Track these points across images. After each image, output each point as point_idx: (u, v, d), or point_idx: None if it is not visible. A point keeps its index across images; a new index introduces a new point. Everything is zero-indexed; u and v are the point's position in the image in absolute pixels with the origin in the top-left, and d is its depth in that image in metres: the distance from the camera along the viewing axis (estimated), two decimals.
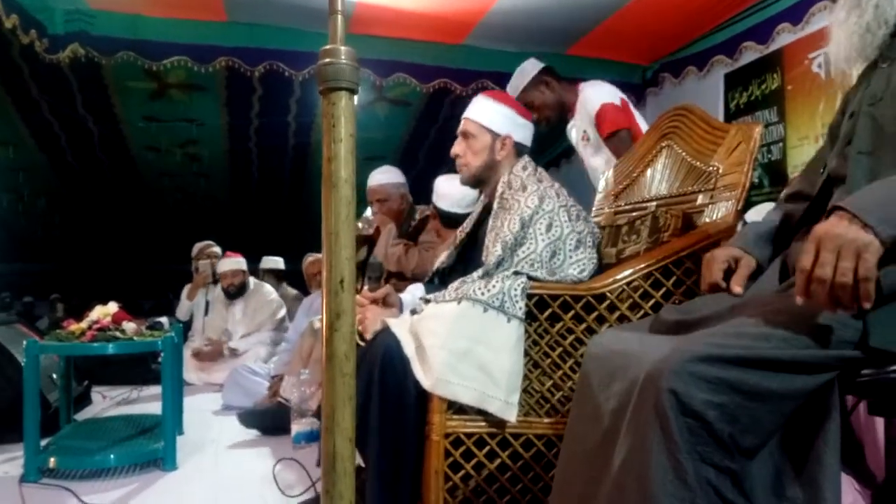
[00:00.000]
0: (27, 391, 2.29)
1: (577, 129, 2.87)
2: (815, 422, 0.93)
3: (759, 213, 2.24)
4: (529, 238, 1.67)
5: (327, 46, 0.79)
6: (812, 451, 0.92)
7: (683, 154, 1.81)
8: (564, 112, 2.88)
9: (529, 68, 2.81)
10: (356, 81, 0.78)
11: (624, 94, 2.80)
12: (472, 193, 2.37)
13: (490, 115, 1.88)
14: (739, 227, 1.55)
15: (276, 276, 5.39)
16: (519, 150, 1.89)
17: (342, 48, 0.78)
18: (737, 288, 1.16)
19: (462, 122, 1.91)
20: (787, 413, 0.94)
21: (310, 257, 4.92)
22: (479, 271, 1.65)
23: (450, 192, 2.65)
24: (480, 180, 1.91)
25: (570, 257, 1.68)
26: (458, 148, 1.90)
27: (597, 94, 2.73)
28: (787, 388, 0.92)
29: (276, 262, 5.57)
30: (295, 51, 3.55)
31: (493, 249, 1.69)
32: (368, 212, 3.00)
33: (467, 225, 2.00)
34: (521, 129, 1.90)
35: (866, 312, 0.92)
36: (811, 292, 0.91)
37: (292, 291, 5.23)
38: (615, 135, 2.62)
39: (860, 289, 0.88)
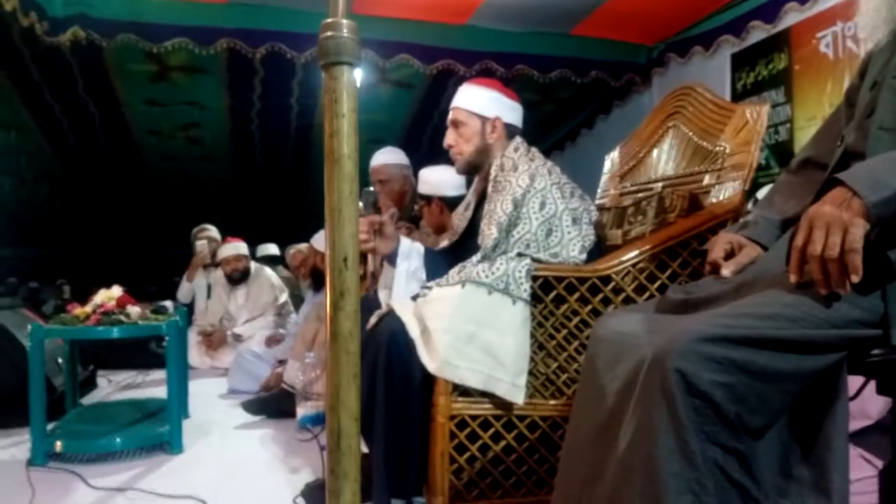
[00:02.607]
0: (33, 375, 2.29)
1: None
2: (823, 402, 0.93)
3: None
4: (523, 218, 1.65)
5: (328, 20, 0.77)
6: (820, 431, 0.92)
7: (690, 134, 1.79)
8: None
9: None
10: (357, 55, 0.77)
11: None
12: None
13: (477, 100, 1.86)
14: (750, 205, 1.53)
15: (271, 262, 5.44)
16: (510, 131, 1.87)
17: (343, 21, 0.76)
18: (725, 271, 1.15)
19: (451, 112, 1.89)
20: (795, 393, 0.93)
21: (291, 249, 4.92)
22: (478, 255, 1.64)
23: (443, 178, 2.57)
24: (475, 166, 1.89)
25: (568, 233, 1.66)
26: (449, 138, 1.89)
27: None
28: (795, 368, 0.91)
29: (270, 249, 5.64)
30: (297, 32, 3.51)
31: (488, 232, 1.67)
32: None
33: (465, 213, 1.98)
34: (510, 111, 1.88)
35: (862, 288, 0.91)
36: (805, 271, 0.92)
37: (287, 274, 5.26)
38: None
39: (847, 261, 0.88)
